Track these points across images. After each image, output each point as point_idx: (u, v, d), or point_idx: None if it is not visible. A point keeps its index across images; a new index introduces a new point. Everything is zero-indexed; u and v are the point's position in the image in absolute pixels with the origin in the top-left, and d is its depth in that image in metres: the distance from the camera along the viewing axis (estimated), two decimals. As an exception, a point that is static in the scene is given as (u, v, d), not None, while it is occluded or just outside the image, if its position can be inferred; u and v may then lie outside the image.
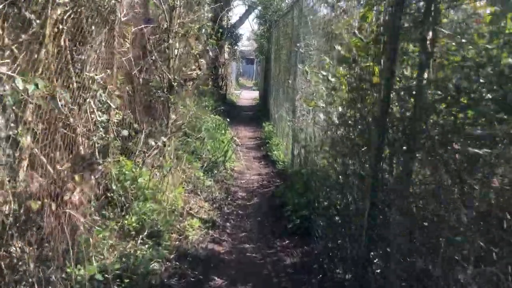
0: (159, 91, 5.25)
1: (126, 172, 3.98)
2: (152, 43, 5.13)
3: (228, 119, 11.89)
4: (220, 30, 13.80)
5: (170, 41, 5.27)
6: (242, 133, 10.35)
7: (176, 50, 5.61)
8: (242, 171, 6.49)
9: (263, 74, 16.11)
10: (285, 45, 7.71)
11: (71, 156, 3.20)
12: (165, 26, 5.27)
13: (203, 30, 6.86)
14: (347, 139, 3.06)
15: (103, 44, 3.80)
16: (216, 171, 5.82)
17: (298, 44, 5.18)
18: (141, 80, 5.16)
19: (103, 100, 3.77)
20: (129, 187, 3.86)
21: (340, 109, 3.32)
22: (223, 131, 8.67)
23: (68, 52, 3.26)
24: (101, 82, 3.79)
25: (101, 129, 3.75)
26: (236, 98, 21.51)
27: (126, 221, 3.38)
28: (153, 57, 5.16)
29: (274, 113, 9.64)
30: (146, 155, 4.34)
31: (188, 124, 6.36)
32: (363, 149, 2.74)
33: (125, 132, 3.93)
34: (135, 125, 4.61)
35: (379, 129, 2.45)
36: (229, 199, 5.11)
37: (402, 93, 2.41)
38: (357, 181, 2.86)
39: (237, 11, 43.64)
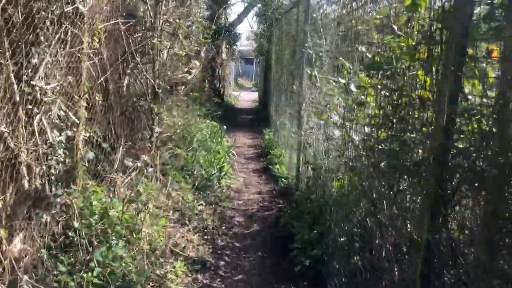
0: (141, 99, 4.46)
1: (94, 203, 3.19)
2: (133, 43, 4.34)
3: (225, 125, 11.15)
4: (215, 28, 13.03)
5: (155, 41, 4.47)
6: (240, 140, 9.57)
7: (162, 51, 4.82)
8: (239, 188, 5.69)
9: (263, 75, 15.32)
10: (288, 45, 6.92)
11: (9, 192, 2.41)
12: (149, 22, 4.48)
13: (194, 27, 6.03)
14: (379, 172, 2.27)
15: (61, 45, 3.01)
16: (209, 191, 5.03)
17: (306, 44, 4.39)
18: (124, 87, 4.37)
19: (62, 115, 2.98)
20: (97, 223, 3.06)
21: (366, 129, 2.53)
22: (219, 139, 7.88)
23: (8, 55, 2.47)
24: (61, 92, 3.00)
25: (60, 151, 2.95)
26: (235, 100, 20.72)
27: (86, 275, 2.59)
28: (135, 60, 4.37)
29: (275, 119, 8.86)
30: (123, 178, 3.55)
31: (177, 135, 5.58)
32: (407, 192, 1.95)
33: (90, 155, 3.13)
34: (108, 142, 3.82)
35: (436, 170, 1.67)
36: (223, 227, 4.32)
37: (470, 117, 1.63)
38: (394, 234, 2.07)
39: (235, 9, 42.82)
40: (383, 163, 2.23)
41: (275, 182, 5.90)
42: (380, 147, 2.25)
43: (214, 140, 7.68)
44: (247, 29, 51.66)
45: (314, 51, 4.35)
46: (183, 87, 6.20)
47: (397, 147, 2.06)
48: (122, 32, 3.99)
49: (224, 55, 14.43)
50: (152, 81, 4.45)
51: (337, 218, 3.14)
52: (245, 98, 23.11)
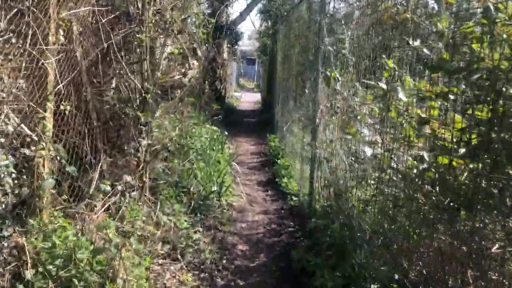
0: (128, 105, 3.74)
1: (58, 243, 2.47)
2: (117, 39, 3.61)
3: (227, 129, 10.42)
4: (216, 26, 12.31)
5: (143, 36, 3.75)
6: (243, 147, 8.84)
7: (153, 49, 4.10)
8: (243, 207, 4.96)
9: (267, 76, 14.60)
10: (298, 43, 6.19)
11: None
12: (135, 14, 3.76)
13: (189, 20, 5.32)
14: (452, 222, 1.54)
15: (16, 38, 2.29)
16: (207, 213, 4.30)
17: (324, 41, 3.66)
18: (107, 91, 3.66)
19: (10, 130, 2.26)
20: (59, 271, 2.34)
21: (425, 155, 1.80)
22: (220, 146, 7.16)
23: None
24: (10, 100, 2.29)
25: (8, 178, 2.23)
26: (237, 102, 19.99)
27: None
28: (118, 59, 3.64)
29: (281, 123, 8.13)
30: (96, 210, 2.83)
31: (172, 145, 4.86)
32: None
33: (49, 184, 2.41)
34: (84, 158, 3.10)
35: None
36: (224, 259, 3.59)
37: None
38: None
39: (237, 7, 42.02)
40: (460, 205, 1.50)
41: (283, 199, 5.17)
42: (456, 183, 1.52)
43: (214, 148, 6.96)
44: (249, 28, 50.99)
45: (333, 49, 3.62)
46: (180, 90, 5.48)
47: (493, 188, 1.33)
48: (100, 25, 3.26)
49: (225, 55, 13.71)
50: (139, 84, 3.73)
51: (371, 265, 2.42)
52: (247, 99, 22.39)
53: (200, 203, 4.39)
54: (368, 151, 2.60)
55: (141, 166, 3.73)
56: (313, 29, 4.58)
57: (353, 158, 2.89)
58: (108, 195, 3.06)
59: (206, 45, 12.49)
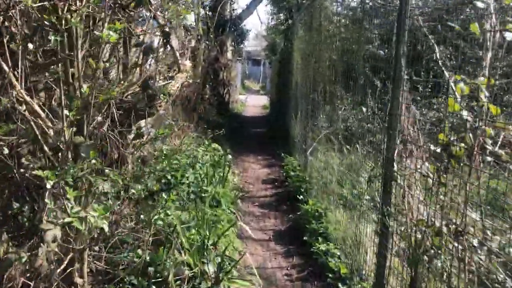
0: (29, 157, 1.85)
1: None
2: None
3: (230, 143, 8.52)
4: (219, 20, 10.43)
5: (72, 18, 1.87)
6: (251, 170, 6.95)
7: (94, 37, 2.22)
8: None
9: (276, 79, 12.67)
10: (335, 40, 4.30)
11: None
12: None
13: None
14: None
15: None
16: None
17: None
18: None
19: None
20: None
21: None
22: (221, 174, 5.28)
23: None
24: None
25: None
26: (242, 106, 18.09)
27: None
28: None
29: (301, 141, 6.26)
30: None
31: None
32: None
33: None
34: None
35: None
36: None
37: None
38: None
39: (242, 2, 40.02)
40: None
41: (320, 280, 3.26)
42: None
43: (213, 179, 5.08)
44: (254, 27, 49.10)
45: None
46: (159, 106, 3.61)
47: None
48: None
49: (229, 55, 11.84)
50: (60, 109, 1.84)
51: None
52: (253, 103, 20.46)
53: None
54: None
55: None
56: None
57: None
58: None
59: (207, 42, 10.62)
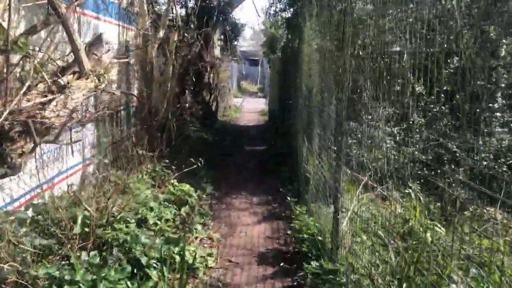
0: None
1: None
2: None
3: (213, 177, 6.07)
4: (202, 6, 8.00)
5: None
6: (240, 228, 4.50)
7: None
8: None
9: (278, 83, 10.20)
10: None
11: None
12: None
13: None
14: None
15: None
16: None
17: None
18: None
19: None
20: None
21: None
22: (180, 257, 2.86)
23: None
24: None
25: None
26: (236, 113, 15.62)
27: None
28: None
29: (322, 183, 3.85)
30: None
31: None
32: None
33: None
34: None
35: None
36: None
37: None
38: None
39: None
40: None
41: None
42: None
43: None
44: (252, 24, 46.73)
45: None
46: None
47: None
48: None
49: (217, 52, 9.37)
50: None
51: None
52: (249, 107, 17.97)
53: None
54: None
55: None
56: None
57: None
58: None
59: (186, 34, 8.18)
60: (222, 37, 9.79)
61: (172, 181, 4.62)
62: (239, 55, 21.55)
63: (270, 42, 11.62)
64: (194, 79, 8.25)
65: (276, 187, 5.64)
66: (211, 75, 9.01)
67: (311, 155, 4.45)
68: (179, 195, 4.31)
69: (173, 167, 4.78)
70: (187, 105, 8.05)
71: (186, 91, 8.07)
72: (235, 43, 15.32)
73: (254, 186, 5.87)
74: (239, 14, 51.37)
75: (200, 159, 4.80)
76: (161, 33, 6.09)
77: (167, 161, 4.90)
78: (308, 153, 4.62)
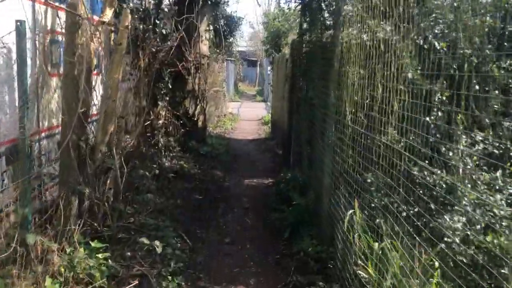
0: None
1: None
2: None
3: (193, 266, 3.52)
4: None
5: None
6: None
7: None
8: None
9: (284, 86, 7.77)
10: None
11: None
12: None
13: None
14: None
15: None
16: None
17: None
18: None
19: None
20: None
21: None
22: None
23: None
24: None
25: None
26: (233, 122, 13.19)
27: None
28: None
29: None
30: None
31: None
32: None
33: None
34: None
35: None
36: None
37: None
38: None
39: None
40: None
41: None
42: None
43: None
44: (248, 21, 44.47)
45: None
46: None
47: None
48: None
49: (205, 48, 6.99)
50: None
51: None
52: (246, 115, 15.52)
53: None
54: None
55: None
56: None
57: None
58: None
59: (157, 22, 5.73)
60: (211, 28, 7.41)
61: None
62: (236, 54, 19.16)
63: (273, 37, 9.27)
64: (171, 86, 5.88)
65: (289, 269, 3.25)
66: (196, 79, 6.64)
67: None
68: None
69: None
70: (160, 122, 5.69)
71: (159, 103, 5.69)
72: (231, 39, 12.97)
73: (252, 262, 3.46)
74: (235, 7, 48.31)
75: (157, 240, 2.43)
76: (108, 14, 3.72)
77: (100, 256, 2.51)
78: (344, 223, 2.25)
